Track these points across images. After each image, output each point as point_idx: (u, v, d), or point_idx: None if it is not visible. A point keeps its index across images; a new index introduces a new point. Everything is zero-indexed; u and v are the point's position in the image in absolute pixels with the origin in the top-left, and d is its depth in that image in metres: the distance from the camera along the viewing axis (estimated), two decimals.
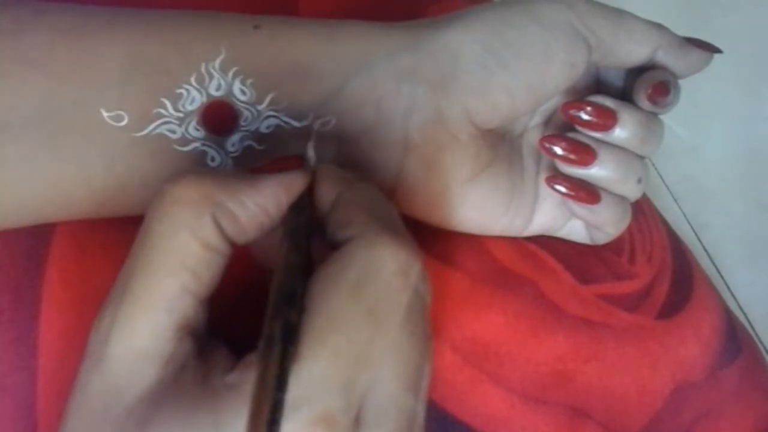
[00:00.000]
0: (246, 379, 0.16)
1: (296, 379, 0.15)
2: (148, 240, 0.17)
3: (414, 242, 0.18)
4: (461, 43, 0.23)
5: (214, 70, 0.21)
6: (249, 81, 0.22)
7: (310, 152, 0.21)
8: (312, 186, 0.20)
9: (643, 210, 0.31)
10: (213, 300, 0.18)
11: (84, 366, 0.17)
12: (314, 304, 0.16)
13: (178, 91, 0.21)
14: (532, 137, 0.27)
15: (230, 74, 0.22)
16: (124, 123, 0.21)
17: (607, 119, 0.24)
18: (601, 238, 0.27)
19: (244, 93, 0.22)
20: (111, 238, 0.23)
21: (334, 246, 0.18)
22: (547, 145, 0.24)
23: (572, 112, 0.24)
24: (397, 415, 0.16)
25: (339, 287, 0.16)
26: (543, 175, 0.26)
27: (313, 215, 0.20)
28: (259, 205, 0.18)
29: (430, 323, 0.18)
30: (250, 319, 0.20)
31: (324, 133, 0.23)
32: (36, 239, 0.23)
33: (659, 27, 0.25)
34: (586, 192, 0.25)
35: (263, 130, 0.22)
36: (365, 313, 0.16)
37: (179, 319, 0.17)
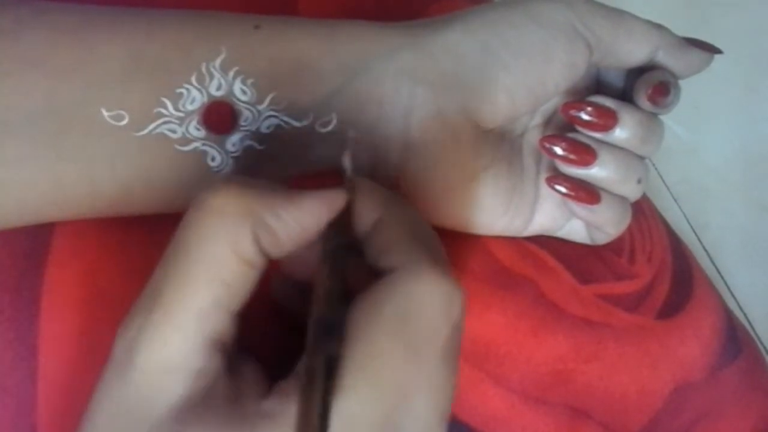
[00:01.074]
0: (284, 411, 0.16)
1: (337, 415, 0.15)
2: (183, 249, 0.17)
3: (452, 270, 0.18)
4: (461, 43, 0.23)
5: (215, 69, 0.21)
6: (249, 81, 0.22)
7: (347, 163, 0.20)
8: (351, 201, 0.19)
9: (643, 210, 0.31)
10: (243, 314, 0.18)
11: (108, 372, 0.17)
12: (356, 336, 0.16)
13: (179, 90, 0.21)
14: (533, 137, 0.27)
15: (231, 74, 0.22)
16: (124, 122, 0.21)
17: (607, 119, 0.24)
18: (601, 238, 0.27)
19: (244, 93, 0.22)
20: (111, 238, 0.23)
21: (375, 271, 0.18)
22: (547, 145, 0.24)
23: (572, 112, 0.24)
24: None
25: (381, 320, 0.16)
26: (543, 175, 0.26)
27: (352, 233, 0.19)
28: (299, 222, 0.18)
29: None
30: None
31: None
32: (36, 239, 0.23)
33: (659, 27, 0.25)
34: (587, 192, 0.25)
35: (263, 130, 0.22)
36: (406, 347, 0.16)
37: (211, 333, 0.17)
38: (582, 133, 0.25)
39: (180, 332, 0.16)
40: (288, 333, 0.17)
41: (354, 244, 0.19)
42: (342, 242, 0.18)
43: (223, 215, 0.17)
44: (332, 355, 0.16)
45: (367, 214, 0.19)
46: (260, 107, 0.22)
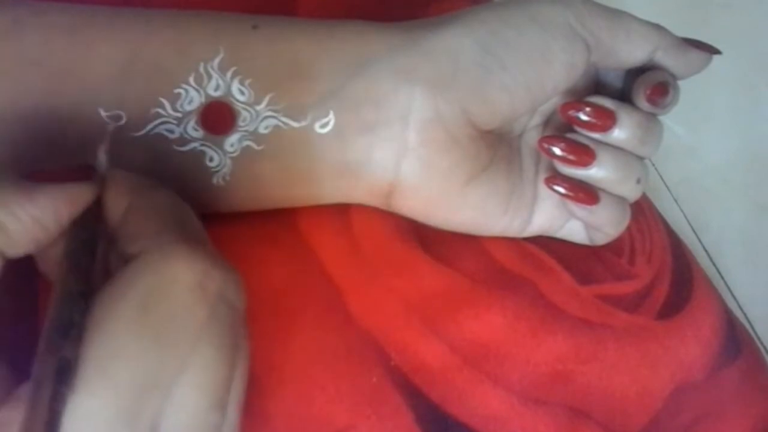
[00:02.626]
0: (13, 420, 0.14)
1: (72, 419, 0.14)
2: None
3: (215, 250, 0.17)
4: (460, 43, 0.23)
5: (213, 70, 0.21)
6: (247, 81, 0.22)
7: (101, 157, 0.18)
8: (103, 195, 0.18)
9: (643, 210, 0.31)
10: None
11: None
12: (94, 333, 0.15)
13: (177, 91, 0.21)
14: (531, 138, 0.27)
15: (229, 74, 0.22)
16: (122, 123, 0.21)
17: (606, 120, 0.24)
18: (601, 238, 0.27)
19: (242, 93, 0.22)
20: None
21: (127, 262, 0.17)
22: (546, 146, 0.24)
23: (571, 112, 0.24)
24: None
25: (122, 310, 0.15)
26: (542, 176, 0.26)
27: (105, 230, 0.18)
28: (34, 218, 0.16)
29: (244, 327, 0.17)
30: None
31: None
32: None
33: (658, 28, 0.25)
34: (585, 193, 0.25)
35: (262, 130, 0.22)
36: (152, 335, 0.15)
37: None
38: (581, 134, 0.24)
39: None
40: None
41: (110, 241, 0.18)
42: (87, 238, 0.17)
43: None
44: (67, 357, 0.14)
45: (117, 205, 0.18)
46: (258, 107, 0.22)
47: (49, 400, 0.14)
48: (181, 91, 0.21)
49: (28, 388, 0.14)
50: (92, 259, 0.17)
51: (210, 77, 0.21)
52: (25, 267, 0.21)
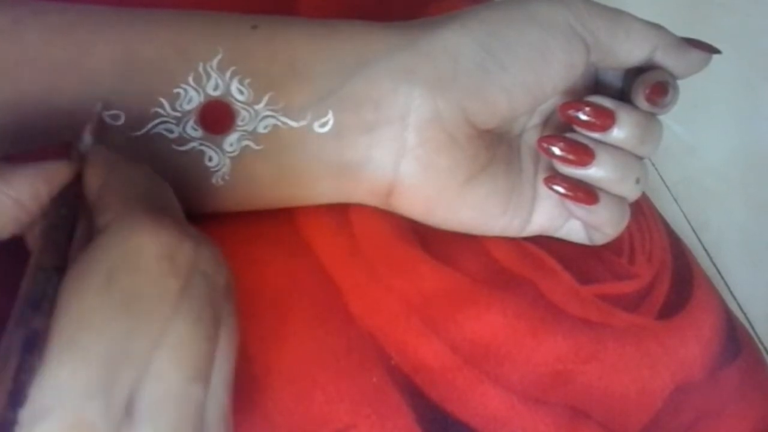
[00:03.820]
0: None
1: (39, 389, 0.14)
2: None
3: (186, 224, 0.17)
4: (459, 43, 0.23)
5: (212, 69, 0.21)
6: (246, 81, 0.22)
7: (86, 139, 0.19)
8: (82, 172, 0.18)
9: (642, 210, 0.31)
10: None
11: None
12: (63, 305, 0.15)
13: (176, 90, 0.21)
14: (531, 138, 0.27)
15: (228, 74, 0.22)
16: (121, 122, 0.21)
17: (605, 119, 0.24)
18: (600, 238, 0.27)
19: (241, 93, 0.22)
20: None
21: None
22: (545, 146, 0.24)
23: (570, 112, 0.24)
24: (178, 406, 0.15)
25: (90, 281, 0.15)
26: (541, 176, 0.26)
27: (85, 206, 0.18)
28: (12, 198, 0.17)
29: (229, 303, 0.17)
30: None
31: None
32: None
33: (658, 27, 0.25)
34: (585, 192, 0.25)
35: (261, 130, 0.22)
36: (120, 305, 0.15)
37: None
38: (580, 134, 0.24)
39: None
40: None
41: (89, 215, 0.18)
42: (65, 214, 0.17)
43: None
44: (36, 329, 0.14)
45: (94, 181, 0.18)
46: (257, 107, 0.22)
47: (15, 370, 0.14)
48: (181, 90, 0.21)
49: None
50: (69, 235, 0.17)
51: (209, 77, 0.21)
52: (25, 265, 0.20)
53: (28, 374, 0.14)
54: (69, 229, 0.17)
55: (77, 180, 0.18)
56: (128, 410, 0.14)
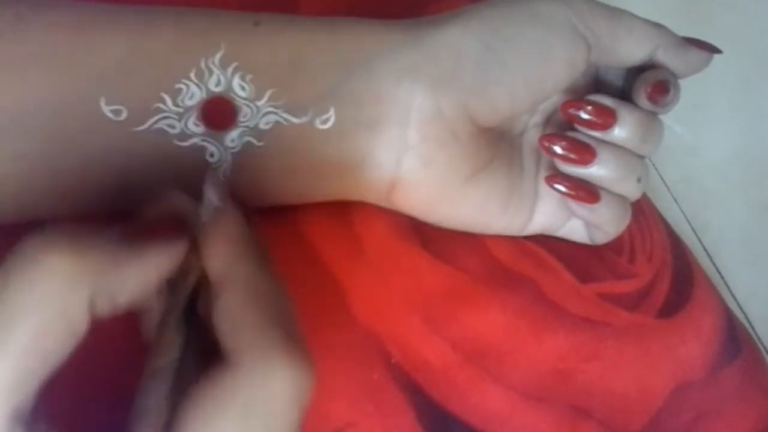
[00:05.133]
0: None
1: None
2: (5, 306, 0.14)
3: (306, 346, 0.16)
4: (461, 40, 0.23)
5: (214, 65, 0.21)
6: (248, 77, 0.22)
7: (210, 206, 0.17)
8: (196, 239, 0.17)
9: (643, 210, 0.31)
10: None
11: None
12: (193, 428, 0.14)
13: (178, 86, 0.21)
14: (532, 136, 0.27)
15: (230, 70, 0.22)
16: (123, 117, 0.21)
17: (606, 118, 0.24)
18: (601, 237, 0.27)
19: (243, 89, 0.22)
20: None
21: (216, 339, 0.16)
22: (546, 144, 0.24)
23: (572, 110, 0.24)
24: None
25: (223, 414, 0.14)
26: (542, 175, 0.26)
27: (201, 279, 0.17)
28: (140, 284, 0.16)
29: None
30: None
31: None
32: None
33: (659, 26, 0.25)
34: (586, 191, 0.25)
35: (262, 126, 0.22)
36: None
37: (17, 404, 0.14)
38: (581, 132, 0.25)
39: None
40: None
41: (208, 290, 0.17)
42: (179, 298, 0.16)
43: (55, 275, 0.14)
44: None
45: (215, 262, 0.17)
46: (259, 103, 0.22)
47: None
48: (182, 86, 0.21)
49: None
50: (192, 312, 0.16)
51: (211, 73, 0.21)
52: None
53: None
54: (190, 308, 0.16)
55: (192, 252, 0.17)
56: None
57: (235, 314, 0.16)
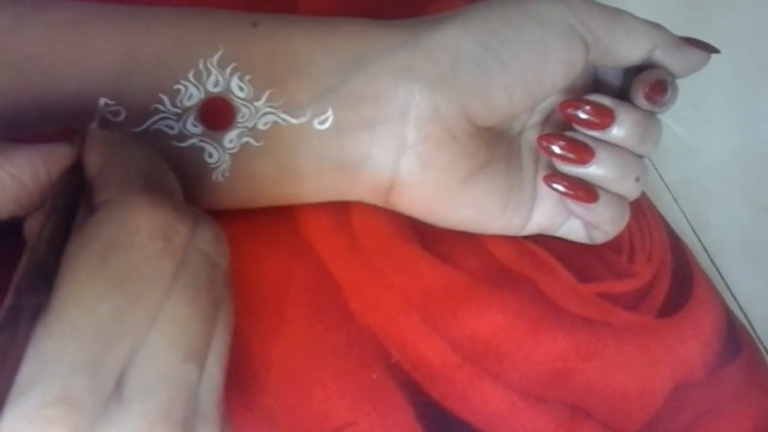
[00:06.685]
0: None
1: (28, 361, 0.14)
2: None
3: (184, 205, 0.17)
4: (459, 41, 0.23)
5: (212, 66, 0.21)
6: (247, 77, 0.22)
7: (91, 127, 0.19)
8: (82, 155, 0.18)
9: (642, 209, 0.31)
10: None
11: None
12: (59, 283, 0.15)
13: (176, 87, 0.21)
14: (531, 136, 0.27)
15: (228, 71, 0.22)
16: (121, 118, 0.21)
17: (604, 118, 0.24)
18: (600, 237, 0.27)
19: (241, 89, 0.22)
20: None
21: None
22: (545, 144, 0.24)
23: (570, 110, 0.24)
24: (170, 385, 0.15)
25: (84, 258, 0.15)
26: (541, 174, 0.26)
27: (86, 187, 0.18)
28: (12, 175, 0.17)
29: (227, 285, 0.17)
30: None
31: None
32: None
33: (657, 26, 0.25)
34: (585, 191, 0.25)
35: (261, 126, 0.22)
36: (113, 283, 0.15)
37: None
38: (580, 132, 0.25)
39: None
40: None
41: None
42: (67, 194, 0.17)
43: None
44: (31, 304, 0.14)
45: (95, 162, 0.18)
46: (257, 104, 0.22)
47: (3, 345, 0.14)
48: (181, 87, 0.21)
49: None
50: (68, 224, 0.17)
51: (209, 73, 0.21)
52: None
53: (19, 347, 0.14)
54: (68, 217, 0.17)
55: (79, 168, 0.18)
56: (119, 388, 0.14)
57: (106, 182, 0.17)
